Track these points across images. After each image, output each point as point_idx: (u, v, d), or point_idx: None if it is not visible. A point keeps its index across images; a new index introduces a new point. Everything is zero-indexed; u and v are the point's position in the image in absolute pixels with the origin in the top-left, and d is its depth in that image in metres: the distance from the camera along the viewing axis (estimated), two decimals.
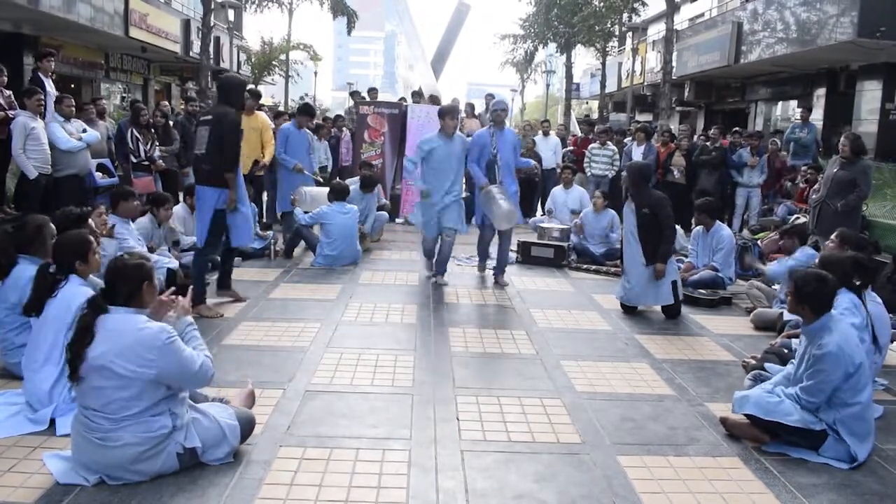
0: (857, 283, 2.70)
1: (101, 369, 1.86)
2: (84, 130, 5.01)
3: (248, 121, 5.84)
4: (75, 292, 2.34)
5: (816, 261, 3.43)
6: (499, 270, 4.71)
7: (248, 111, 5.57)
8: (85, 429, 1.91)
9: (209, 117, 3.68)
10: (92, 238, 2.50)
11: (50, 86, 5.40)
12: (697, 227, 4.86)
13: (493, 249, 4.80)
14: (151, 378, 1.89)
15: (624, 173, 7.28)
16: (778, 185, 7.23)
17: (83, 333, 1.89)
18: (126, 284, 1.94)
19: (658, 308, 4.14)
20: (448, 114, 4.52)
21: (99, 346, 1.87)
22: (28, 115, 4.58)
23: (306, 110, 5.87)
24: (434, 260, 4.68)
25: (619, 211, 6.50)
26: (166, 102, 8.45)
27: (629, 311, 4.08)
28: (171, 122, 6.35)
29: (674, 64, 12.10)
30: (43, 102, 4.69)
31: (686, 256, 5.01)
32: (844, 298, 2.61)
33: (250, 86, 7.33)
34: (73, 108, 4.98)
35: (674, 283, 3.92)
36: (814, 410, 2.30)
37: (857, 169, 4.60)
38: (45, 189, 4.64)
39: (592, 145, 7.64)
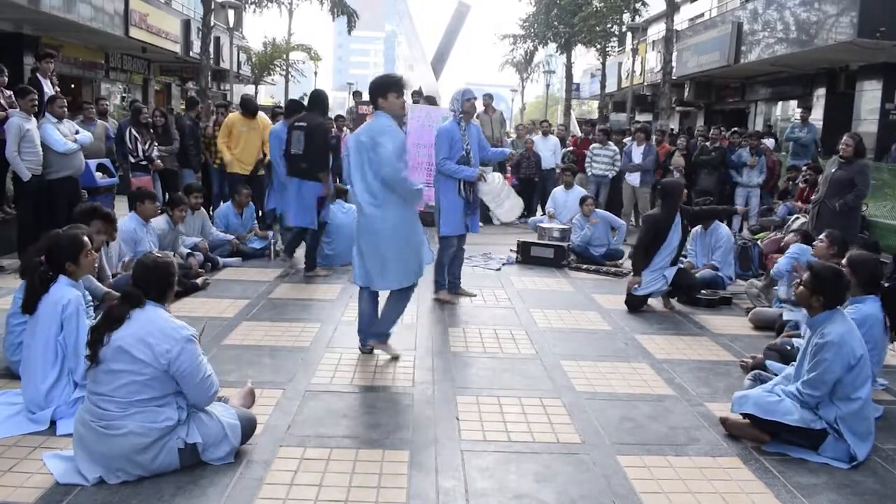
0: (886, 284, 2.69)
1: (120, 351, 1.90)
2: (76, 132, 4.99)
3: (248, 123, 5.88)
4: (62, 293, 2.33)
5: (810, 255, 3.47)
6: (456, 286, 4.17)
7: (249, 116, 5.78)
8: (91, 417, 1.93)
9: (304, 124, 4.44)
10: (87, 240, 2.47)
11: (48, 87, 5.38)
12: (696, 227, 4.88)
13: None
14: (164, 369, 1.91)
15: (626, 176, 7.28)
16: (771, 183, 7.23)
17: (112, 322, 1.93)
18: (158, 282, 2.00)
19: (660, 307, 4.18)
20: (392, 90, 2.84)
21: (123, 330, 1.92)
22: (22, 115, 4.49)
23: (295, 109, 5.81)
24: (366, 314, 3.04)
25: (617, 213, 6.54)
26: (179, 111, 8.47)
27: (634, 309, 4.08)
28: (170, 122, 6.35)
29: (674, 64, 12.09)
30: (36, 102, 4.62)
31: (686, 256, 5.02)
32: (865, 310, 2.55)
33: (246, 94, 7.31)
34: (65, 109, 4.90)
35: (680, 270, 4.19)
36: (814, 407, 2.31)
37: (855, 169, 4.61)
38: (39, 190, 4.59)
39: (593, 145, 7.64)
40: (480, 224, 8.41)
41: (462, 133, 3.93)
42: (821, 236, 3.49)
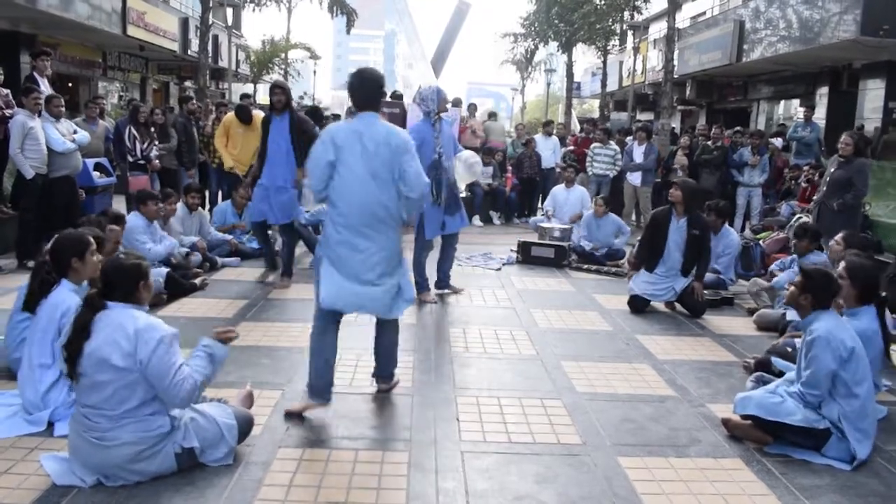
0: (884, 294, 2.67)
1: (100, 362, 1.86)
2: (75, 131, 4.97)
3: (245, 125, 5.86)
4: (63, 298, 2.31)
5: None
6: (444, 283, 4.15)
7: (246, 121, 5.74)
8: (83, 428, 1.90)
9: None
10: (92, 240, 2.45)
11: (45, 85, 5.37)
12: None
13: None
14: (139, 370, 1.88)
15: (627, 176, 7.26)
16: (779, 184, 7.21)
17: (80, 332, 1.89)
18: (123, 283, 1.95)
19: (661, 307, 4.17)
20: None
21: (96, 339, 1.88)
22: (26, 114, 4.53)
23: (312, 114, 5.77)
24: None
25: (618, 213, 6.52)
26: (173, 107, 8.43)
27: (637, 311, 4.06)
28: (169, 120, 6.33)
29: (675, 62, 12.06)
30: (41, 101, 4.65)
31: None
32: (860, 327, 2.50)
33: (244, 98, 7.25)
34: (63, 108, 4.89)
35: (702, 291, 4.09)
36: (817, 406, 2.30)
37: (854, 168, 4.58)
38: (41, 189, 4.61)
39: (594, 144, 7.63)
40: (480, 224, 8.35)
41: (435, 134, 3.70)
42: (836, 238, 3.48)
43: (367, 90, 2.44)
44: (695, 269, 4.04)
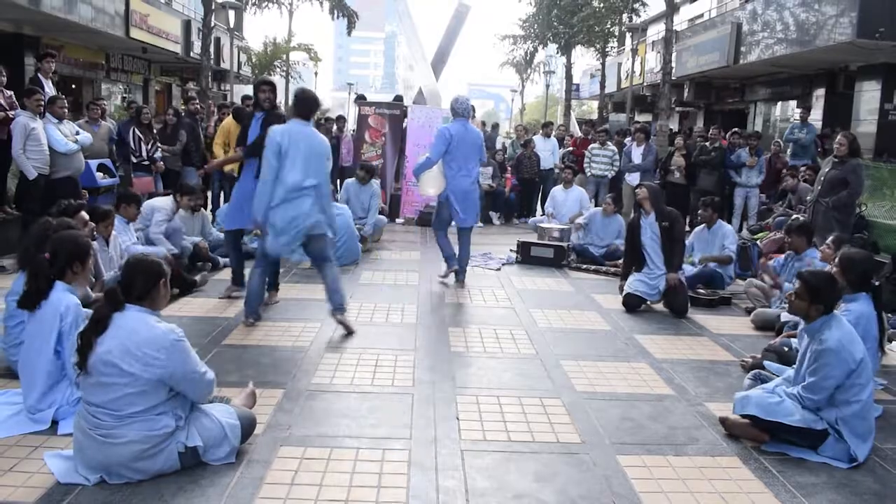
0: (876, 283, 2.72)
1: (109, 365, 1.88)
2: (77, 133, 5.00)
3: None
4: (60, 298, 2.29)
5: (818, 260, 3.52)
6: (462, 272, 4.61)
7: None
8: (89, 425, 1.92)
9: None
10: (91, 244, 2.46)
11: (49, 87, 5.40)
12: (700, 225, 4.90)
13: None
14: (157, 378, 1.90)
15: (626, 176, 7.29)
16: (778, 185, 7.23)
17: (96, 324, 1.91)
18: (143, 282, 1.95)
19: (660, 307, 4.19)
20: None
21: (109, 342, 1.89)
22: (28, 115, 4.57)
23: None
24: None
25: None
26: (176, 108, 8.50)
27: (632, 309, 4.09)
28: (178, 121, 6.36)
29: (673, 64, 12.08)
30: (42, 102, 4.68)
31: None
32: (858, 309, 2.58)
33: (245, 99, 7.24)
34: (66, 110, 4.92)
35: (680, 283, 4.12)
36: (815, 409, 2.31)
37: (849, 168, 4.62)
38: (43, 190, 4.64)
39: (593, 145, 7.66)
40: (480, 224, 8.48)
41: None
42: (827, 241, 3.54)
43: (302, 105, 3.33)
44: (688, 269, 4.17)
